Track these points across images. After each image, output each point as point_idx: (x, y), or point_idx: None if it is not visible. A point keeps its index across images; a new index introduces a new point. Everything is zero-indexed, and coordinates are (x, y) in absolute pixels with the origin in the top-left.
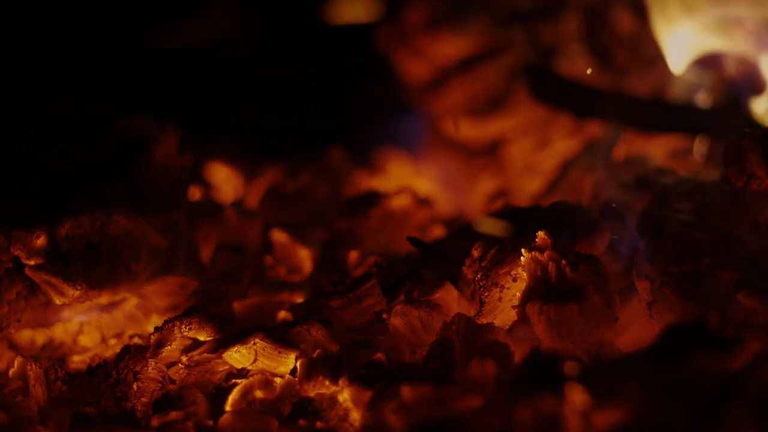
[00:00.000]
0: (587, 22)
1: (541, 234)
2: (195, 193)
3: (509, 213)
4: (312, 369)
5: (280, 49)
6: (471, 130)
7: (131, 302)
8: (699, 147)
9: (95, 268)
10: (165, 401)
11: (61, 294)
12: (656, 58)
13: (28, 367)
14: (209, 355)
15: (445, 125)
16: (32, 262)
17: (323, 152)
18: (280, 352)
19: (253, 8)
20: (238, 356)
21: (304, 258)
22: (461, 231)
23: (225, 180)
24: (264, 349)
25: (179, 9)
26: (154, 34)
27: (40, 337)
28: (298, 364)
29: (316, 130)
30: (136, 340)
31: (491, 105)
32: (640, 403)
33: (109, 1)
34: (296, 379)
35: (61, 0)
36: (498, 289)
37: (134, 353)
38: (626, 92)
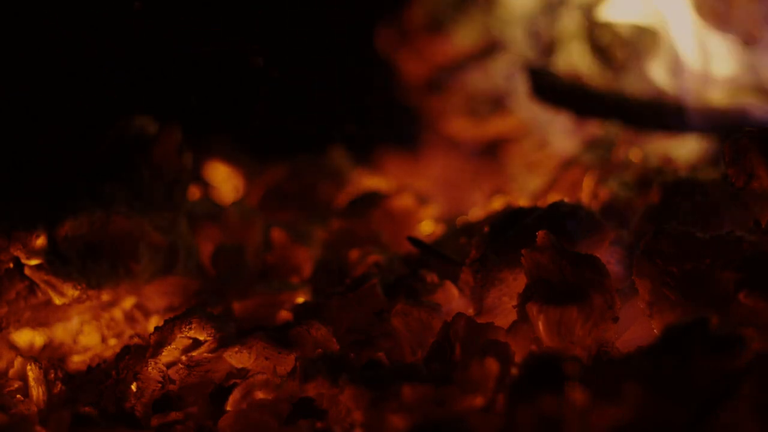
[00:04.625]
0: (587, 21)
1: (541, 234)
2: (195, 193)
3: (509, 213)
4: (312, 369)
5: (280, 49)
6: (471, 130)
7: (131, 302)
8: (700, 147)
9: (95, 268)
10: (165, 401)
11: (61, 294)
12: (656, 57)
13: (28, 368)
14: (209, 355)
15: (445, 125)
16: (32, 262)
17: (323, 152)
18: (280, 352)
19: (252, 8)
20: (238, 356)
21: (304, 258)
22: (461, 231)
23: (225, 180)
24: (264, 349)
25: (179, 9)
26: (155, 34)
27: (40, 337)
28: (297, 364)
29: (316, 130)
30: (136, 340)
31: (491, 105)
32: (640, 403)
33: (108, 0)
34: (296, 379)
35: (59, 0)
36: (498, 289)
37: (134, 353)
38: (626, 92)
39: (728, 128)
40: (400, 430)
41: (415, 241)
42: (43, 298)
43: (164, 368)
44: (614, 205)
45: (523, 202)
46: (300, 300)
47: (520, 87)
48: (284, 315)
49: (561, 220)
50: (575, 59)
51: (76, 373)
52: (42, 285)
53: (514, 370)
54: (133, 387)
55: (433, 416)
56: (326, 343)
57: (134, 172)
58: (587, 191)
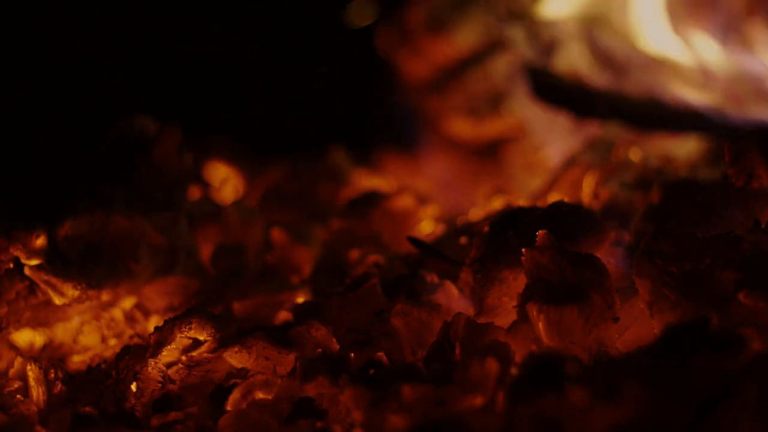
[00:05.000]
0: (587, 21)
1: (541, 233)
2: (195, 193)
3: (509, 213)
4: (312, 369)
5: (280, 49)
6: (471, 130)
7: (131, 302)
8: (700, 146)
9: (95, 268)
10: (165, 401)
11: (61, 294)
12: (656, 56)
13: (28, 368)
14: (209, 355)
15: (445, 125)
16: (32, 262)
17: (323, 152)
18: (280, 352)
19: (253, 8)
20: (238, 356)
21: (304, 258)
22: (461, 231)
23: (225, 180)
24: (264, 349)
25: (179, 9)
26: (155, 34)
27: (40, 337)
28: (298, 364)
29: (316, 130)
30: (136, 340)
31: (491, 105)
32: (640, 403)
33: (107, 1)
34: (296, 379)
35: (59, 0)
36: (498, 289)
37: (134, 353)
38: (626, 92)
39: (728, 128)
40: (400, 430)
41: (415, 241)
42: (43, 298)
43: (164, 368)
44: (614, 205)
45: (523, 202)
46: (300, 300)
47: (520, 87)
48: (284, 315)
49: (561, 220)
50: (575, 59)
51: (76, 373)
52: (42, 285)
53: (514, 370)
54: (133, 387)
55: (433, 416)
56: (326, 343)
57: (134, 172)
58: (587, 191)
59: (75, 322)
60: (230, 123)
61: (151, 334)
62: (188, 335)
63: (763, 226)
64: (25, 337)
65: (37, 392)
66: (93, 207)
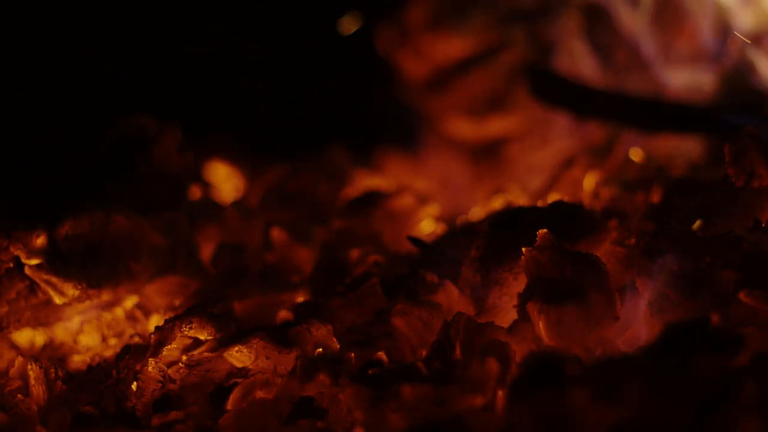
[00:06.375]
0: (587, 20)
1: (541, 233)
2: (195, 193)
3: (509, 212)
4: (312, 368)
5: (281, 49)
6: (471, 130)
7: (131, 302)
8: (699, 146)
9: (95, 267)
10: (165, 401)
11: (61, 294)
12: (656, 57)
13: (29, 367)
14: (209, 354)
15: (445, 125)
16: (32, 262)
17: (323, 152)
18: (280, 352)
19: (253, 8)
20: (238, 356)
21: (304, 258)
22: (461, 230)
23: (225, 179)
24: (264, 349)
25: (179, 9)
26: (155, 34)
27: (40, 336)
28: (298, 364)
29: (316, 130)
30: (136, 339)
31: (491, 105)
32: (640, 403)
33: (107, 1)
34: (296, 378)
35: (59, 0)
36: (498, 288)
37: (134, 353)
38: (626, 92)
39: (729, 127)
40: (400, 429)
41: (415, 241)
42: (44, 297)
43: (164, 368)
44: (615, 205)
45: (523, 202)
46: (300, 300)
47: (520, 87)
48: (284, 315)
49: (561, 220)
50: (575, 59)
51: (77, 372)
52: (42, 284)
53: (514, 370)
54: (134, 386)
55: (433, 416)
56: (326, 342)
57: (134, 172)
58: (588, 191)
59: (75, 321)
60: (230, 123)
61: (151, 334)
62: (189, 335)
63: (763, 226)
64: (25, 336)
65: (37, 391)
66: (93, 207)
